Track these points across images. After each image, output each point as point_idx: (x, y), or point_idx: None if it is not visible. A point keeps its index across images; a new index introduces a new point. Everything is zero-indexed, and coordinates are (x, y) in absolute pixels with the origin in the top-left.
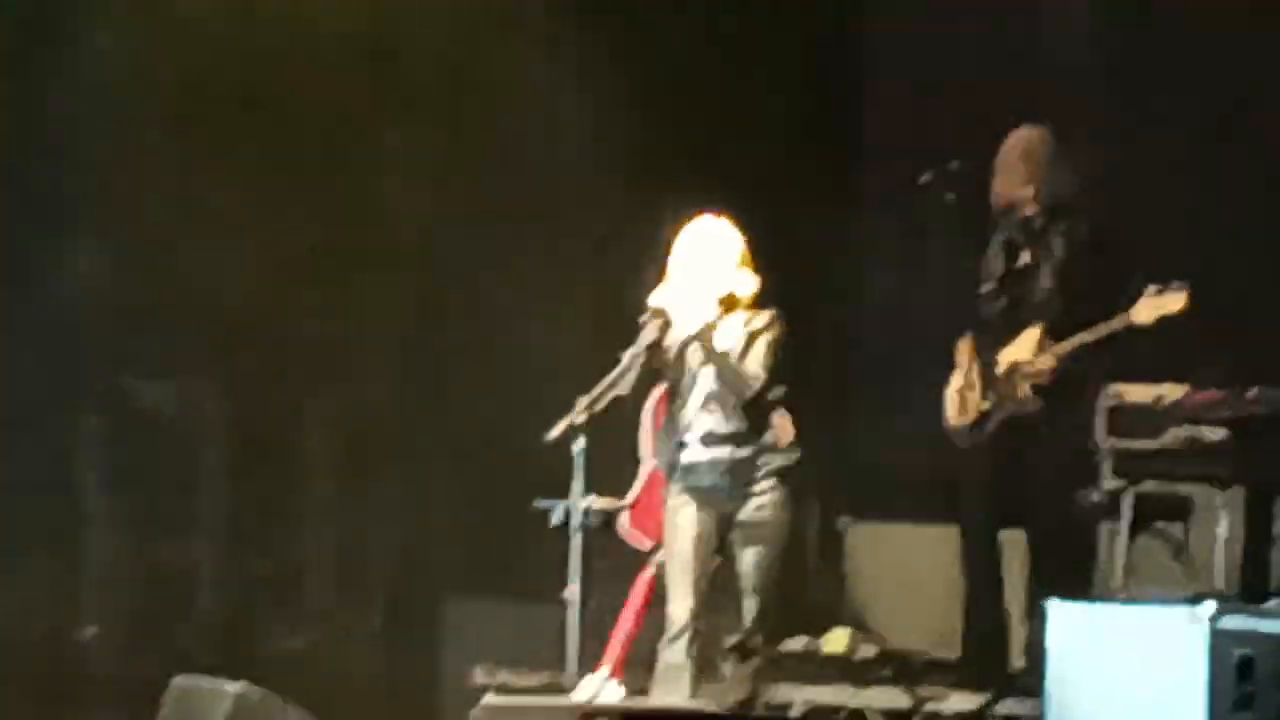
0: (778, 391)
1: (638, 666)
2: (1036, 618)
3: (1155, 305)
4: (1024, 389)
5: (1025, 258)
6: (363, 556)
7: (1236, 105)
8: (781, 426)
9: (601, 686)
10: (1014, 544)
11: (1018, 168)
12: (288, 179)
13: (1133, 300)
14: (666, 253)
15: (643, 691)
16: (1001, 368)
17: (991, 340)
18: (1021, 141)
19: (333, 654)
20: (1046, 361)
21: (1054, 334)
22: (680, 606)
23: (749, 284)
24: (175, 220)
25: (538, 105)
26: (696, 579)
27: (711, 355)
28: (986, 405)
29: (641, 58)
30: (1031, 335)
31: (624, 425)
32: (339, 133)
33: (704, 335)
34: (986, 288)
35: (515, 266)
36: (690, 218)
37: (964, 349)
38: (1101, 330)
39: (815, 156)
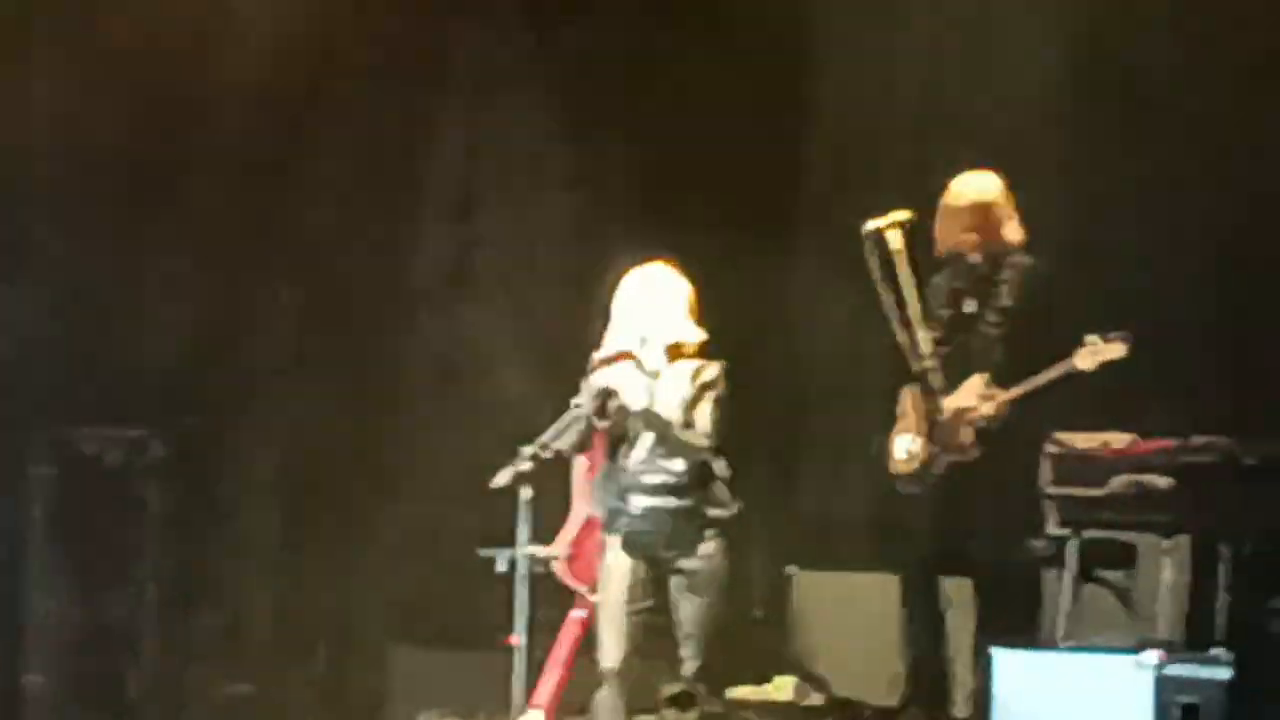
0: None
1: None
2: (982, 665)
3: (1096, 352)
4: (967, 436)
5: (970, 306)
6: (306, 604)
7: (1182, 153)
8: (725, 474)
9: None
10: (959, 591)
11: (962, 214)
12: (230, 224)
13: (1073, 349)
14: (610, 298)
15: None
16: (945, 415)
17: (935, 387)
18: (968, 187)
19: (276, 702)
20: (990, 409)
21: (996, 382)
22: (610, 655)
23: (696, 332)
24: (119, 267)
25: (489, 148)
26: (627, 628)
27: (657, 430)
28: (928, 453)
29: (593, 103)
30: (975, 382)
31: (563, 470)
32: (281, 178)
33: (648, 416)
34: (933, 335)
35: (460, 312)
36: (637, 264)
37: (908, 396)
38: (1044, 377)
39: (762, 203)
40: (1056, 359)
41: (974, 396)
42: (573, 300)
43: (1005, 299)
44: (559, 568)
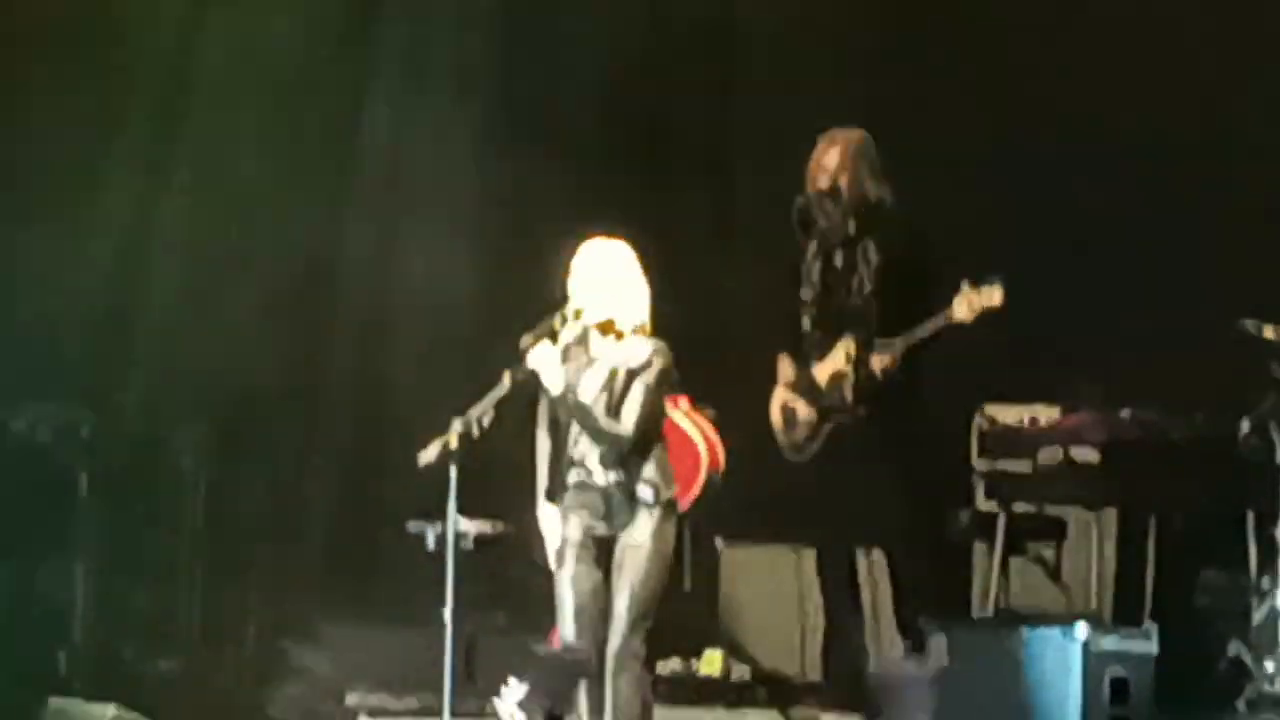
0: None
1: None
2: (910, 639)
3: (973, 301)
4: (849, 396)
5: (838, 262)
6: (235, 580)
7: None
8: (659, 457)
9: (523, 694)
10: (874, 563)
11: (828, 159)
12: (159, 190)
13: (948, 299)
14: (564, 273)
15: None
16: (824, 377)
17: (812, 350)
18: (835, 136)
19: (208, 677)
20: (877, 364)
21: (873, 341)
22: (569, 633)
23: (641, 312)
24: (52, 238)
25: (440, 122)
26: (578, 612)
27: (579, 418)
28: (812, 416)
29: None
30: (849, 343)
31: (493, 445)
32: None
33: (568, 393)
34: (803, 296)
35: (401, 284)
36: (586, 239)
37: (785, 363)
38: (924, 330)
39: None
40: (930, 312)
41: (848, 357)
42: (521, 271)
43: (874, 256)
44: None
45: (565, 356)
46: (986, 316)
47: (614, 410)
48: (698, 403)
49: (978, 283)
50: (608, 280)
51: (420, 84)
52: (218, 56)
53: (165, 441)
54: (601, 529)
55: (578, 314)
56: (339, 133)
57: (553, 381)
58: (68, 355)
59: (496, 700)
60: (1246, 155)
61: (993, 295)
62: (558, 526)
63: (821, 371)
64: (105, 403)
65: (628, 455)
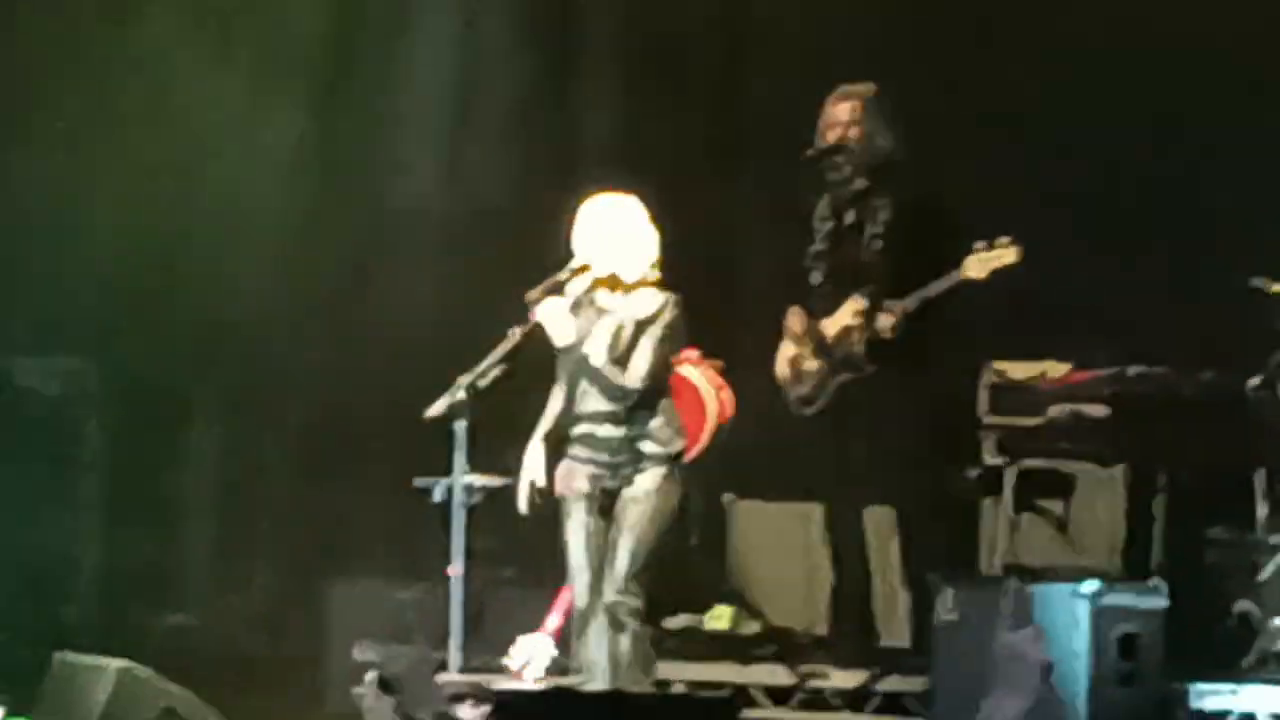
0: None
1: None
2: (920, 594)
3: (987, 259)
4: (859, 353)
5: (849, 218)
6: (246, 535)
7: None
8: (667, 410)
9: (536, 648)
10: (882, 518)
11: (839, 111)
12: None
13: (960, 256)
14: (569, 229)
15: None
16: (832, 332)
17: (821, 305)
18: (847, 90)
19: (215, 632)
20: (882, 322)
21: (883, 297)
22: (578, 600)
23: (652, 265)
24: (59, 194)
25: (440, 76)
26: (588, 567)
27: (585, 371)
28: (821, 370)
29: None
30: (858, 299)
31: (505, 401)
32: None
33: (574, 353)
34: (814, 250)
35: (405, 244)
36: (595, 194)
37: (794, 316)
38: (937, 287)
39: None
40: (941, 271)
41: (858, 313)
42: (527, 230)
43: (884, 212)
44: None
45: (575, 310)
46: (999, 274)
47: (621, 362)
48: (706, 355)
49: (991, 240)
50: (615, 234)
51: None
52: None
53: (173, 394)
54: (609, 481)
55: (584, 269)
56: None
57: (560, 334)
58: (75, 308)
59: (508, 659)
60: (1260, 111)
61: (1007, 253)
62: (539, 465)
63: (830, 326)
64: (112, 355)
65: (634, 407)
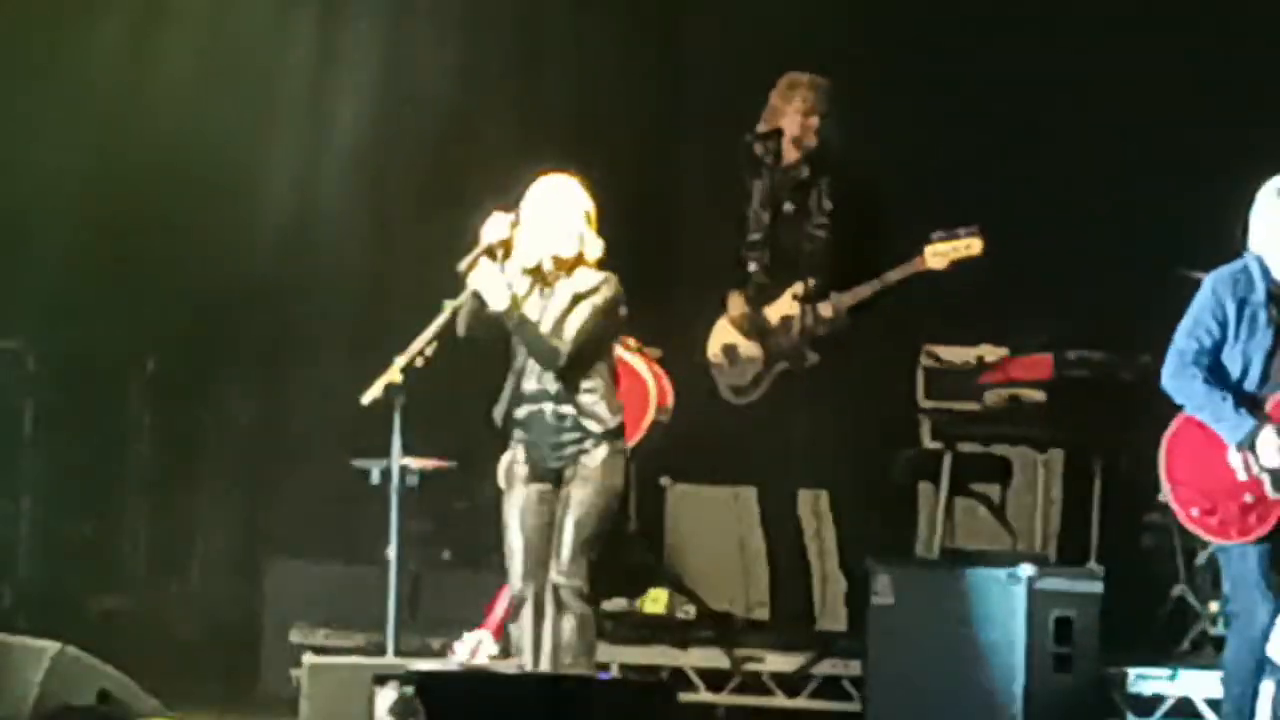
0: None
1: None
2: (856, 579)
3: (949, 250)
4: (799, 341)
5: (789, 207)
6: (183, 517)
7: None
8: (605, 388)
9: (479, 644)
10: (817, 504)
11: (792, 98)
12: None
13: (904, 247)
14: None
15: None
16: (773, 320)
17: (759, 293)
18: (791, 85)
19: (151, 615)
20: (825, 312)
21: (823, 288)
22: (515, 582)
23: (592, 246)
24: None
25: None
26: (524, 550)
27: (516, 328)
28: (759, 359)
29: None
30: (799, 287)
31: (437, 382)
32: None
33: (511, 307)
34: (752, 238)
35: (353, 224)
36: (539, 175)
37: (735, 301)
38: (891, 277)
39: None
40: (891, 262)
41: (799, 302)
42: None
43: (826, 201)
44: None
45: (520, 286)
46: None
47: (558, 330)
48: (645, 342)
49: (950, 230)
50: (556, 214)
51: None
52: None
53: (111, 375)
54: (552, 462)
55: (508, 240)
56: None
57: (495, 298)
58: (10, 287)
59: (456, 645)
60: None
61: (971, 244)
62: (504, 465)
63: (772, 314)
64: (51, 335)
65: (572, 386)
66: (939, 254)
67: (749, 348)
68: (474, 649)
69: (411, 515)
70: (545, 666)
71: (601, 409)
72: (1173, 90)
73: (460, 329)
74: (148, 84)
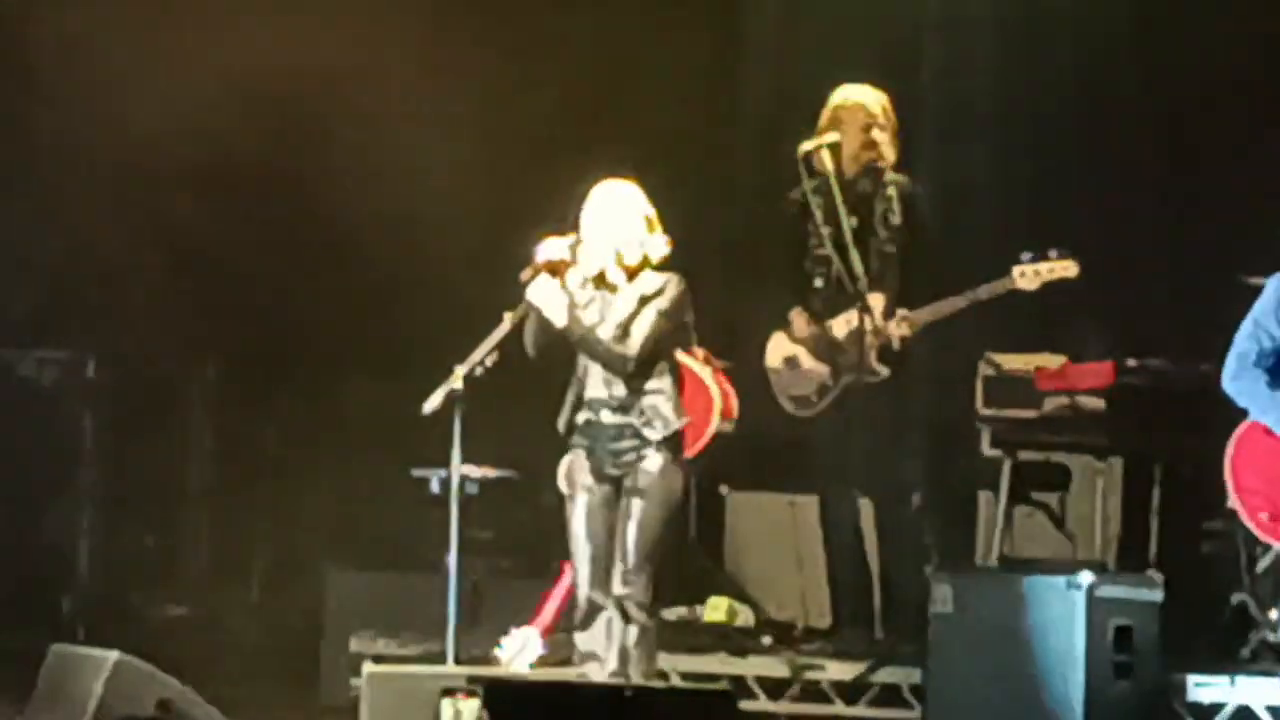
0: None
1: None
2: (917, 587)
3: (1042, 271)
4: (869, 356)
5: (853, 221)
6: (243, 526)
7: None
8: (669, 391)
9: (525, 642)
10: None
11: (850, 121)
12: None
13: (1004, 270)
14: (576, 216)
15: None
16: (839, 336)
17: (824, 307)
18: (853, 96)
19: (211, 624)
20: (903, 329)
21: (896, 303)
22: (581, 590)
23: (655, 248)
24: (52, 186)
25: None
26: (592, 558)
27: (579, 342)
28: (824, 373)
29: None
30: (875, 302)
31: (501, 392)
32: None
33: (572, 324)
34: (816, 253)
35: (411, 231)
36: (598, 181)
37: (799, 321)
38: (981, 295)
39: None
40: (960, 280)
41: (876, 316)
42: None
43: (895, 217)
44: None
45: (582, 293)
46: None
47: (624, 334)
48: (714, 355)
49: (1040, 252)
50: (618, 219)
51: None
52: None
53: (171, 383)
54: (611, 469)
55: (572, 252)
56: None
57: (555, 314)
58: (72, 297)
59: (498, 650)
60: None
61: (1067, 267)
62: (569, 470)
63: (838, 329)
64: (111, 344)
65: (635, 391)
66: (1030, 275)
67: (813, 363)
68: (520, 647)
69: (471, 524)
70: (606, 675)
71: (668, 409)
72: (1231, 100)
73: (530, 349)
74: (214, 91)
